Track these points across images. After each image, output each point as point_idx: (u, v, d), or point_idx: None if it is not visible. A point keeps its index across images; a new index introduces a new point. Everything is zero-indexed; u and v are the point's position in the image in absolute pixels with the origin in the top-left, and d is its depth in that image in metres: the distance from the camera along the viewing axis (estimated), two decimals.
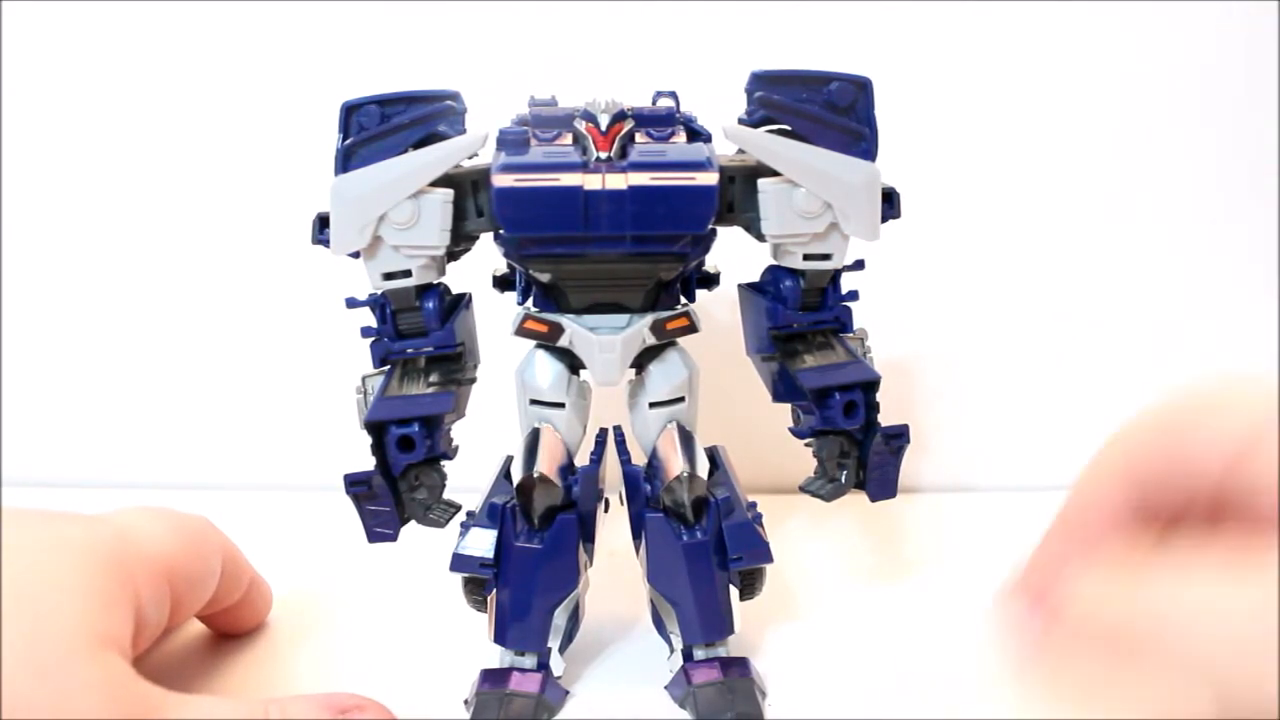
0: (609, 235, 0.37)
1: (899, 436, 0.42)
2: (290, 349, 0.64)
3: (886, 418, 0.42)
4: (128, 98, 0.61)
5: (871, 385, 0.42)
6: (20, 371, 0.65)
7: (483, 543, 0.40)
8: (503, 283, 0.44)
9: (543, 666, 0.41)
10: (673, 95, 0.42)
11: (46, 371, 0.66)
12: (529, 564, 0.40)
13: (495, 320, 0.43)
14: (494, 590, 0.40)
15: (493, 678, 0.40)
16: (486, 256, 0.42)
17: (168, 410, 0.66)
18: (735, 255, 0.43)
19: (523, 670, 0.41)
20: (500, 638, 0.41)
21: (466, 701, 0.40)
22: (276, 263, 0.62)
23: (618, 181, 0.36)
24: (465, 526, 0.41)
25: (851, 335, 0.42)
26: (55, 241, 0.64)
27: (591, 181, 0.36)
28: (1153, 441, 0.26)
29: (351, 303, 0.40)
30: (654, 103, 0.41)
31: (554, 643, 0.41)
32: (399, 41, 0.60)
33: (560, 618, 0.41)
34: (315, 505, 0.59)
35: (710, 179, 0.37)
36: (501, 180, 0.36)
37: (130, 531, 0.34)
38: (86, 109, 0.62)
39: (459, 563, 0.40)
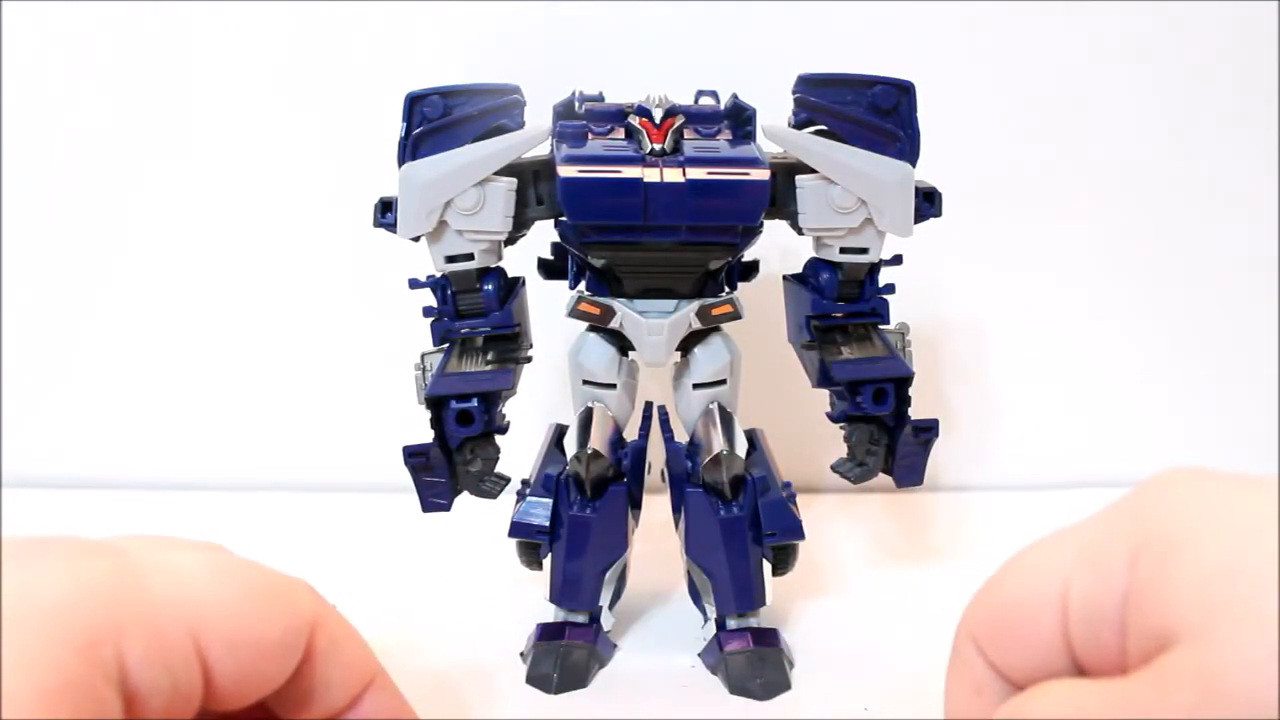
0: (666, 225, 0.39)
1: (928, 430, 0.44)
2: (294, 349, 0.65)
3: (919, 411, 0.44)
4: (130, 95, 0.61)
5: (904, 381, 0.44)
6: (21, 371, 0.65)
7: (539, 511, 0.42)
8: (548, 269, 0.46)
9: (594, 621, 0.44)
10: (714, 94, 0.44)
11: (48, 370, 0.65)
12: (583, 532, 0.42)
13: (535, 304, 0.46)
14: (549, 554, 0.43)
15: (548, 632, 0.44)
16: (526, 246, 0.44)
17: (169, 410, 0.66)
18: (776, 249, 0.45)
19: (576, 625, 0.44)
20: (557, 598, 0.44)
21: (523, 654, 0.44)
22: (278, 263, 0.63)
23: (675, 175, 0.39)
24: (520, 495, 0.43)
25: (892, 329, 0.44)
26: (58, 240, 0.63)
27: (650, 174, 0.39)
28: (984, 614, 0.27)
29: (414, 283, 0.42)
30: (696, 101, 0.44)
31: (604, 600, 0.44)
32: (426, 39, 0.60)
33: (610, 578, 0.44)
34: (322, 505, 0.61)
35: (763, 175, 0.39)
36: (566, 171, 0.39)
37: (142, 569, 0.26)
38: (89, 107, 0.62)
39: (517, 529, 0.42)
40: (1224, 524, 0.21)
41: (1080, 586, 0.23)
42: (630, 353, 0.44)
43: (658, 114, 0.40)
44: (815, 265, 0.44)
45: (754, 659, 0.42)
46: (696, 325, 0.43)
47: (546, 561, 0.44)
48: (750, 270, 0.46)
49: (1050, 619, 0.24)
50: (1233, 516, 0.22)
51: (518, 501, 0.43)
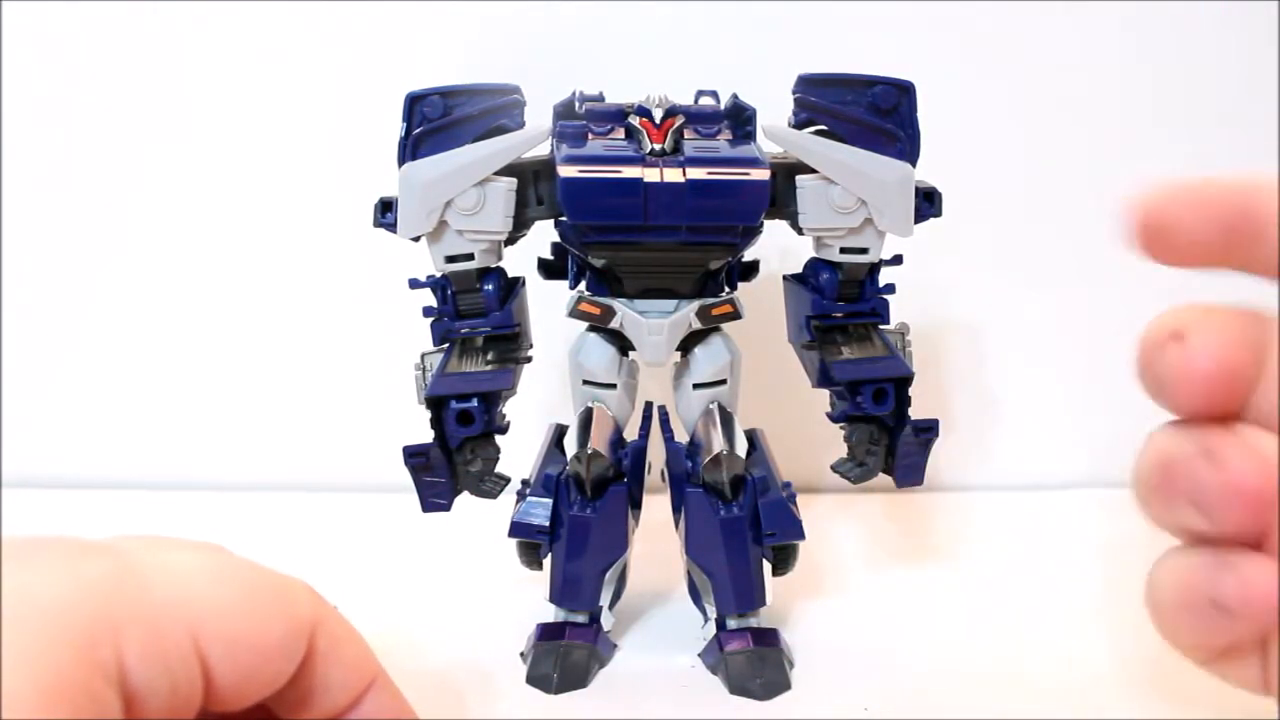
0: (666, 225, 0.39)
1: (929, 430, 0.44)
2: (294, 349, 0.65)
3: (919, 411, 0.44)
4: (129, 95, 0.61)
5: (904, 381, 0.44)
6: (21, 371, 0.65)
7: (539, 511, 0.42)
8: (548, 269, 0.46)
9: (594, 621, 0.44)
10: (714, 94, 0.44)
11: (48, 370, 0.65)
12: (583, 532, 0.42)
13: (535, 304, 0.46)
14: (549, 554, 0.43)
15: (548, 632, 0.44)
16: (526, 246, 0.44)
17: (169, 410, 0.65)
18: (776, 249, 0.45)
19: (576, 625, 0.44)
20: (557, 598, 0.44)
21: (523, 654, 0.44)
22: (278, 263, 0.63)
23: (675, 175, 0.39)
24: (520, 495, 0.43)
25: (892, 329, 0.44)
26: (58, 240, 0.63)
27: (650, 174, 0.39)
28: None
29: (414, 283, 0.42)
30: (696, 101, 0.44)
31: (604, 600, 0.44)
32: (426, 39, 0.60)
33: (611, 578, 0.44)
34: (322, 505, 0.61)
35: (763, 175, 0.39)
36: (566, 171, 0.39)
37: (141, 570, 0.26)
38: (89, 107, 0.62)
39: (517, 529, 0.42)
40: None
41: None
42: (630, 353, 0.44)
43: (658, 114, 0.40)
44: (815, 265, 0.44)
45: (754, 659, 0.42)
46: (696, 325, 0.43)
47: (546, 561, 0.44)
48: (750, 270, 0.46)
49: None
50: None
51: (518, 501, 0.43)
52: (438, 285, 0.42)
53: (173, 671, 0.25)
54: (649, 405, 0.47)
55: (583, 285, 0.44)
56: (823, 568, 0.52)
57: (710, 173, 0.39)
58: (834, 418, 0.45)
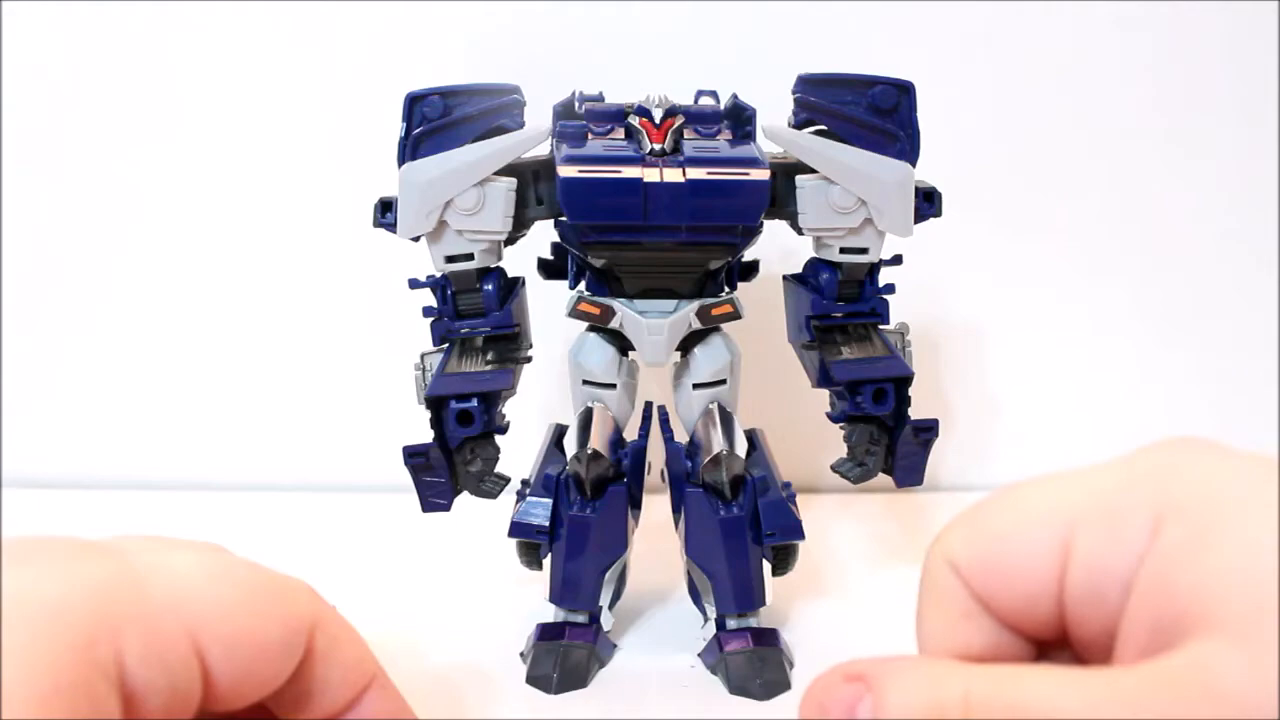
0: (666, 225, 0.39)
1: (929, 430, 0.44)
2: (294, 349, 0.65)
3: (919, 411, 0.44)
4: (130, 95, 0.61)
5: (904, 381, 0.44)
6: (21, 371, 0.65)
7: (539, 511, 0.42)
8: (548, 269, 0.46)
9: (594, 621, 0.44)
10: (714, 94, 0.44)
11: (48, 370, 0.65)
12: (583, 532, 0.42)
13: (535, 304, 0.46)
14: (549, 554, 0.43)
15: (548, 632, 0.44)
16: (526, 245, 0.44)
17: (169, 410, 0.65)
18: (776, 249, 0.45)
19: (576, 625, 0.44)
20: (557, 598, 0.44)
21: (523, 654, 0.44)
22: (278, 263, 0.63)
23: (675, 175, 0.39)
24: (520, 495, 0.43)
25: (892, 329, 0.44)
26: (58, 240, 0.63)
27: (650, 174, 0.39)
28: (971, 542, 0.25)
29: (414, 283, 0.42)
30: (696, 101, 0.44)
31: (604, 600, 0.44)
32: (426, 39, 0.60)
33: (610, 578, 0.44)
34: (322, 505, 0.61)
35: (763, 175, 0.39)
36: (566, 171, 0.39)
37: (141, 570, 0.25)
38: (89, 107, 0.62)
39: (517, 529, 0.42)
40: (1263, 511, 0.20)
41: (1089, 538, 0.22)
42: (630, 353, 0.44)
43: (657, 114, 0.40)
44: (815, 265, 0.44)
45: (754, 659, 0.42)
46: (696, 325, 0.43)
47: (546, 561, 0.44)
48: (750, 270, 0.46)
49: (1047, 563, 0.23)
50: (1269, 504, 0.20)
51: (518, 501, 0.43)
52: (438, 285, 0.42)
53: (172, 671, 0.25)
54: (649, 405, 0.47)
55: (582, 285, 0.44)
56: (823, 568, 0.52)
57: (710, 173, 0.39)
58: (834, 418, 0.45)
